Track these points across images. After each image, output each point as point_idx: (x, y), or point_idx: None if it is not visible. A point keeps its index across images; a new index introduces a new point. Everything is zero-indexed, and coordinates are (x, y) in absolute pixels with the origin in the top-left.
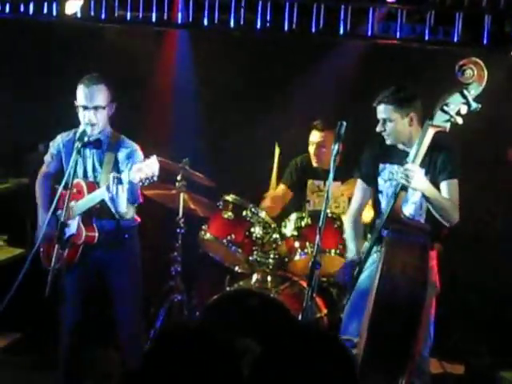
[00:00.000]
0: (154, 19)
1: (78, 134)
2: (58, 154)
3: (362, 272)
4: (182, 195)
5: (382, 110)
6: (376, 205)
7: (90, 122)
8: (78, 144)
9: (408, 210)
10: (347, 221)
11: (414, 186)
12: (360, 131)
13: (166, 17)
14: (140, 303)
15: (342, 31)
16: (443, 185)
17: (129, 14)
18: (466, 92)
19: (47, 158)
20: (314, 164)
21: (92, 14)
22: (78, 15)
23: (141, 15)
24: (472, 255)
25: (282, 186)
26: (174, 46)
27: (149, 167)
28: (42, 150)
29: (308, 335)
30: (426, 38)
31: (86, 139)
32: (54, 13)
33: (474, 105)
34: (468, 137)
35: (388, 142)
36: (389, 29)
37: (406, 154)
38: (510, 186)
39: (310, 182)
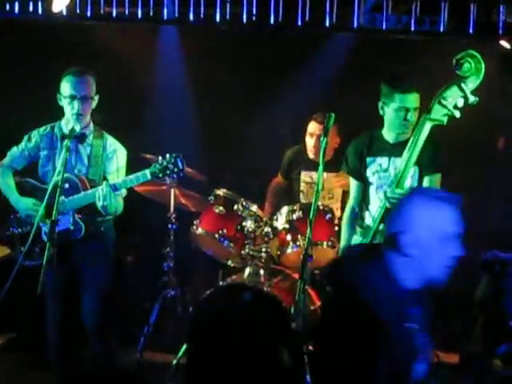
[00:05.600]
0: (139, 15)
1: (66, 131)
2: (34, 149)
3: None
4: (172, 191)
5: (414, 99)
6: (365, 197)
7: (77, 112)
8: (67, 141)
9: None
10: (344, 220)
11: None
12: (353, 124)
13: (151, 13)
14: (107, 295)
15: (327, 23)
16: (426, 179)
17: (114, 11)
18: (463, 85)
19: (14, 152)
20: (311, 156)
21: (78, 11)
22: (64, 13)
23: (127, 11)
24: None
25: (279, 175)
26: (162, 41)
27: (174, 165)
28: None
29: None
30: (412, 28)
31: (74, 135)
32: (40, 11)
33: (471, 98)
34: (455, 125)
35: (405, 134)
36: (375, 20)
37: (395, 145)
38: (499, 174)
39: (303, 173)
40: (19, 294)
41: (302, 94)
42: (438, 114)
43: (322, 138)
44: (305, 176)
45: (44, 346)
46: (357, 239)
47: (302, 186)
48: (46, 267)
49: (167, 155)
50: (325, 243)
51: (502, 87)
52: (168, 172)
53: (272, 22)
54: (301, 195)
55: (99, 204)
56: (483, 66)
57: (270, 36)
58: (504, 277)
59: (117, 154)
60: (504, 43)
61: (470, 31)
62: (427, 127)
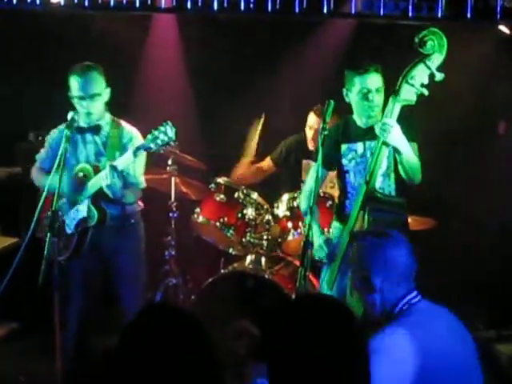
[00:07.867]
0: (137, 4)
1: (82, 124)
2: (55, 145)
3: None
4: (173, 179)
5: (374, 80)
6: (343, 185)
7: (87, 111)
8: (66, 132)
9: (377, 183)
10: (304, 199)
11: (390, 140)
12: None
13: (149, 1)
14: (145, 288)
15: (325, 10)
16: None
17: (112, 0)
18: (428, 63)
19: (41, 155)
20: (311, 148)
21: (76, 1)
22: (62, 3)
23: (124, 1)
24: (470, 228)
25: (268, 160)
26: (160, 30)
27: (164, 134)
28: (33, 139)
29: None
30: (410, 14)
31: (75, 126)
32: (38, 1)
33: (438, 75)
34: (456, 109)
35: (372, 117)
36: (372, 6)
37: (367, 129)
38: (499, 159)
39: (304, 162)
40: (22, 284)
41: (301, 81)
42: (407, 94)
43: (321, 125)
44: (306, 165)
45: (53, 336)
46: (337, 226)
47: (304, 175)
48: (46, 259)
49: (158, 126)
50: (325, 230)
51: (501, 71)
52: (159, 142)
53: (270, 9)
54: (301, 185)
55: (103, 184)
56: (446, 41)
57: (268, 23)
58: None
59: (133, 142)
60: (503, 28)
61: (468, 16)
62: (397, 108)
